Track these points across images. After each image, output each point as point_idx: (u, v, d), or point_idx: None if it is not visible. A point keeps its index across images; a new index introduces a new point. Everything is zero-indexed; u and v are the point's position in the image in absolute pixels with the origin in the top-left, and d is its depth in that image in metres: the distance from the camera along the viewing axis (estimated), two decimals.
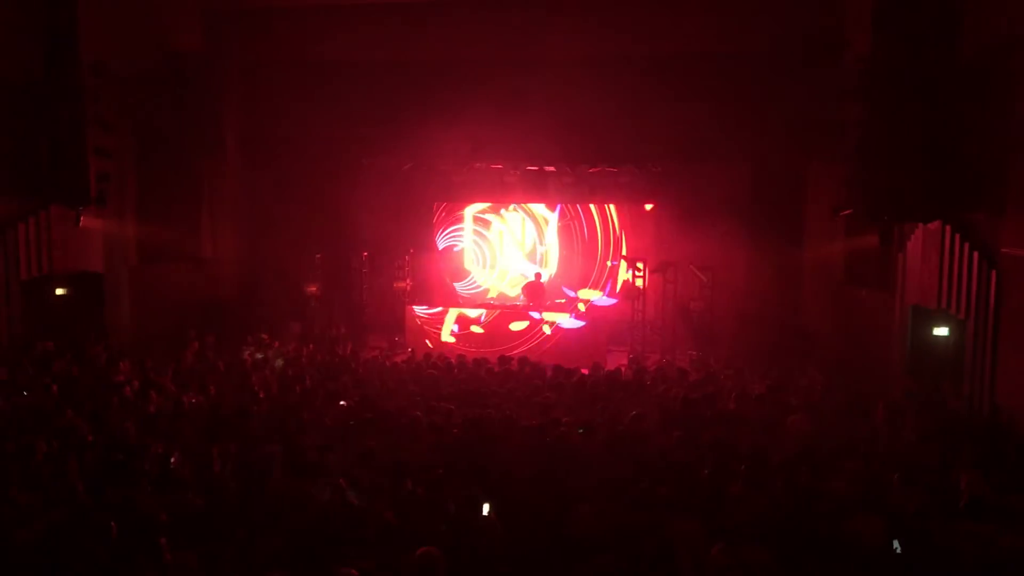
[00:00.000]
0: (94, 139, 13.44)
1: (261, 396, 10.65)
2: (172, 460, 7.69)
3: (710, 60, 15.80)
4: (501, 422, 9.24)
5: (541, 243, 19.06)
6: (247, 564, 5.81)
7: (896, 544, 6.03)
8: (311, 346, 15.12)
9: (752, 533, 6.11)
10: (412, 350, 15.65)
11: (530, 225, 19.15)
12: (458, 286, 19.50)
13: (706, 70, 15.79)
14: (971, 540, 5.99)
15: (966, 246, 10.92)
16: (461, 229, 19.53)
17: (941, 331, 12.07)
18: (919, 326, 12.60)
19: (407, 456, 8.10)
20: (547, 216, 18.99)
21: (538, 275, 17.96)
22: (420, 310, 17.29)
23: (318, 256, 18.29)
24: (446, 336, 16.92)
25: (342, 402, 10.28)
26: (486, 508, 6.66)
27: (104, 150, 13.73)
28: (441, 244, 19.57)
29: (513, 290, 18.87)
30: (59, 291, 14.89)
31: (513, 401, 10.53)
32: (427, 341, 16.70)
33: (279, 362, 13.46)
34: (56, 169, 13.19)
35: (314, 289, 18.11)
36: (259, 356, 14.02)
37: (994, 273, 10.35)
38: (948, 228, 11.30)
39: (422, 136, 16.22)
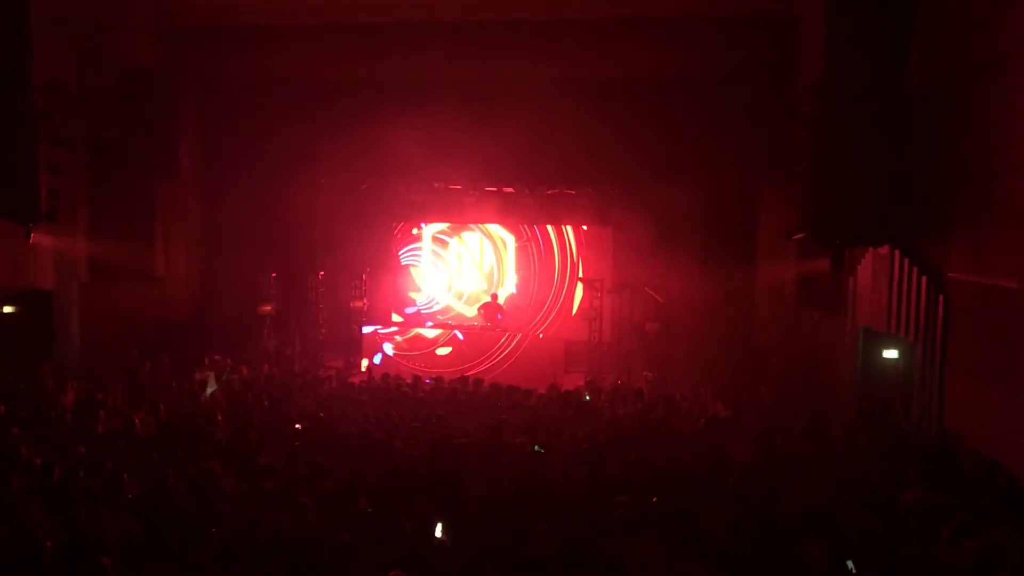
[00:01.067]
0: (46, 155, 13.22)
1: (219, 418, 10.51)
2: (124, 481, 7.57)
3: (665, 84, 15.98)
4: (458, 442, 9.22)
5: (499, 264, 19.11)
6: None
7: (851, 565, 6.12)
8: (266, 366, 14.97)
9: (706, 554, 6.16)
10: (369, 370, 15.57)
11: (488, 246, 19.19)
12: (417, 306, 19.45)
13: (661, 94, 15.98)
14: (920, 558, 6.10)
15: (915, 270, 11.14)
16: (419, 249, 19.51)
17: (891, 354, 12.27)
18: (870, 348, 12.80)
19: (362, 476, 8.06)
20: (505, 237, 19.05)
21: (494, 295, 17.98)
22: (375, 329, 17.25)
23: (273, 275, 18.13)
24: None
25: (297, 425, 10.17)
26: (439, 530, 6.65)
27: (56, 166, 13.51)
28: (399, 263, 19.51)
29: (470, 310, 18.87)
30: (7, 308, 14.59)
31: (470, 421, 10.51)
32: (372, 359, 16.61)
33: (211, 388, 13.19)
34: (5, 184, 12.94)
35: (269, 308, 17.93)
36: (211, 376, 13.85)
37: (941, 297, 10.56)
38: (897, 253, 11.52)
39: (380, 155, 16.22)
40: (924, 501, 7.04)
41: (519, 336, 16.49)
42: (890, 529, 6.69)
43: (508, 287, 19.04)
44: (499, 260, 19.15)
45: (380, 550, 6.18)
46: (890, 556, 6.21)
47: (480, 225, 19.14)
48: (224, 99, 17.24)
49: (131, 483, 7.72)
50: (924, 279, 10.90)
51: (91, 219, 15.81)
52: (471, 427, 10.11)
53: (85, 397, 11.44)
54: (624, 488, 7.80)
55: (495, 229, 19.13)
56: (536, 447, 9.14)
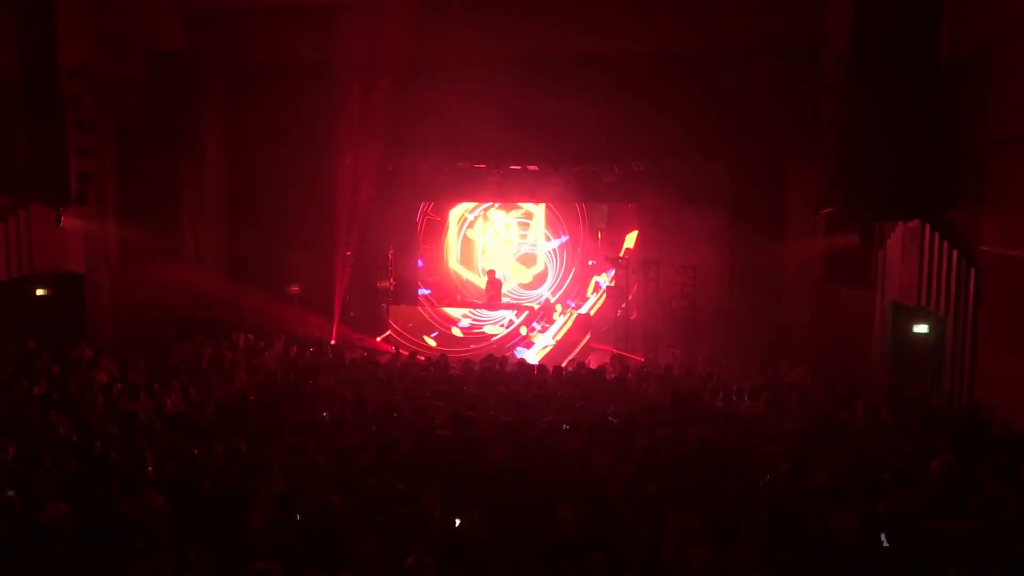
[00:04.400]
0: (74, 139, 13.34)
1: (240, 400, 10.58)
2: (148, 465, 7.66)
3: (690, 58, 15.80)
4: (486, 421, 9.25)
5: (525, 243, 19.06)
6: (227, 563, 5.79)
7: (883, 537, 6.10)
8: (294, 347, 15.07)
9: (737, 529, 6.15)
10: (396, 349, 15.64)
11: (514, 224, 19.15)
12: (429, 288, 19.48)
13: (687, 68, 15.80)
14: (951, 532, 6.06)
15: (945, 244, 11.02)
16: (445, 228, 19.49)
17: (921, 328, 12.16)
18: (899, 323, 12.70)
19: (389, 455, 8.11)
20: (532, 212, 18.97)
21: (491, 272, 17.92)
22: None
23: (300, 256, 18.20)
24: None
25: (324, 413, 10.19)
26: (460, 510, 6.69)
27: (84, 150, 13.63)
28: (424, 243, 19.49)
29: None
30: (40, 292, 14.78)
31: (497, 400, 10.53)
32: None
33: None
34: (36, 169, 13.10)
35: (296, 289, 18.03)
36: (242, 356, 13.97)
37: (973, 271, 10.45)
38: (927, 226, 11.39)
39: (404, 135, 16.21)
40: (950, 471, 6.98)
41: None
42: (921, 502, 6.65)
43: (537, 266, 18.99)
44: (525, 239, 19.10)
45: (404, 528, 6.22)
46: (919, 527, 6.18)
47: (505, 204, 19.06)
48: (248, 80, 17.26)
49: (161, 463, 7.83)
50: (955, 252, 10.79)
51: (119, 202, 15.93)
52: (499, 406, 10.13)
53: (117, 378, 11.58)
54: (653, 465, 7.81)
55: (521, 207, 19.05)
56: (564, 426, 9.14)
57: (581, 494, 6.85)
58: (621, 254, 17.75)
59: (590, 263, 18.65)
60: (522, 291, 18.85)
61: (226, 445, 8.28)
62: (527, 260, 19.12)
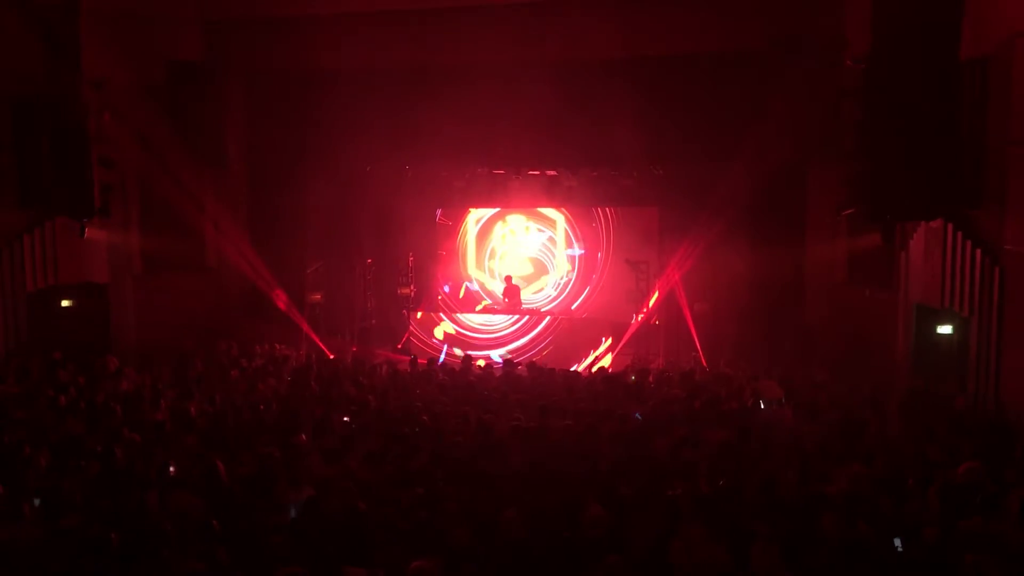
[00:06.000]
0: (97, 151, 13.48)
1: (262, 408, 10.64)
2: (171, 468, 7.72)
3: (710, 60, 15.76)
4: (507, 426, 9.26)
5: (547, 248, 19.06)
6: (253, 569, 5.82)
7: (897, 543, 6.05)
8: (315, 355, 15.16)
9: (756, 533, 6.12)
10: (414, 356, 15.69)
11: (534, 229, 19.15)
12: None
13: (706, 71, 15.77)
14: (977, 537, 6.00)
15: (968, 244, 10.92)
16: (464, 234, 19.51)
17: (945, 329, 12.06)
18: (923, 324, 12.59)
19: (411, 461, 8.13)
20: (554, 218, 18.96)
21: (508, 277, 17.99)
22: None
23: (321, 264, 18.28)
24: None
25: (345, 418, 10.24)
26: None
27: (108, 161, 13.77)
28: (443, 249, 19.51)
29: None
30: (65, 302, 14.94)
31: (518, 405, 10.53)
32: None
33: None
34: (60, 181, 13.24)
35: (318, 297, 18.10)
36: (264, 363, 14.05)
37: (997, 270, 10.35)
38: (950, 226, 11.30)
39: (423, 141, 16.26)
40: (978, 476, 6.92)
41: None
42: (947, 506, 6.59)
43: (560, 270, 18.98)
44: (548, 244, 19.10)
45: (426, 533, 6.24)
46: (948, 531, 6.12)
47: (525, 209, 19.06)
48: (269, 89, 17.38)
49: (186, 470, 7.89)
50: (978, 252, 10.70)
51: (142, 212, 16.10)
52: (520, 410, 10.13)
53: (142, 387, 11.68)
54: (673, 469, 7.79)
55: (541, 212, 19.05)
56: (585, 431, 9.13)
57: (598, 497, 6.83)
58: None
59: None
60: (537, 297, 18.84)
61: (250, 452, 8.34)
62: (539, 266, 19.11)
